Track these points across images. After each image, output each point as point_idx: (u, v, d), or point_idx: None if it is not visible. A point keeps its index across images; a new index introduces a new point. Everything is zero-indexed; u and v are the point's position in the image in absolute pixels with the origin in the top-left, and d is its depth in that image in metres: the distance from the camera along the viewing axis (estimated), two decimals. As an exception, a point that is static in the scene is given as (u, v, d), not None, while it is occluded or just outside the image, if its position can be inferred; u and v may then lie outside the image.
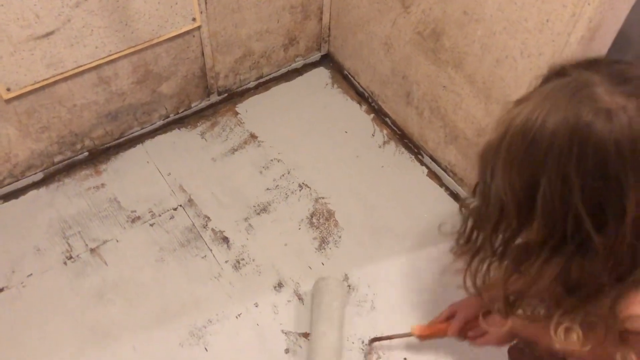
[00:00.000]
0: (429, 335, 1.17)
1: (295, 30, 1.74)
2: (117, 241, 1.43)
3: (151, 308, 1.33)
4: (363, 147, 1.66)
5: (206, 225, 1.47)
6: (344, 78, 1.84)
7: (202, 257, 1.41)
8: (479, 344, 1.04)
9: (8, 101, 1.32)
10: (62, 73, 1.34)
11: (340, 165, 1.61)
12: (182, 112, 1.69)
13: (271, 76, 1.81)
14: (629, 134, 0.54)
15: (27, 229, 1.44)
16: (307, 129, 1.70)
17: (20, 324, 1.29)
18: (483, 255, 0.71)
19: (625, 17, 1.06)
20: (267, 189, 1.55)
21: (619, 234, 0.58)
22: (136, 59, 1.45)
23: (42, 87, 1.35)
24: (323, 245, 1.45)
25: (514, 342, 1.05)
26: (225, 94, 1.74)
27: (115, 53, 1.39)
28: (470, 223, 0.72)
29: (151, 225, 1.47)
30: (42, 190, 1.52)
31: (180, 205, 1.51)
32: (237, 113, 1.74)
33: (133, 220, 1.47)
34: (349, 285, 1.37)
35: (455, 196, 1.56)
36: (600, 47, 1.10)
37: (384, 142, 1.68)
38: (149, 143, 1.64)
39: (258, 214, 1.50)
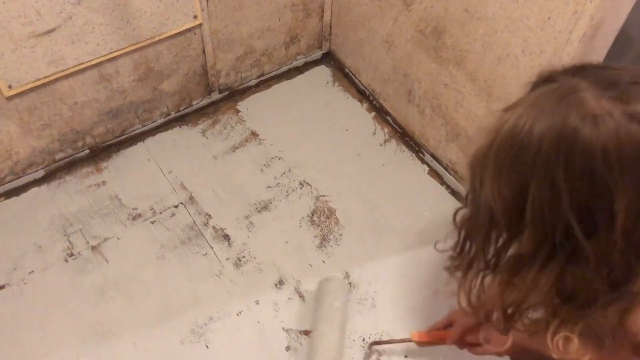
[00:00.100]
0: (427, 342, 1.17)
1: (296, 28, 1.74)
2: (118, 239, 1.43)
3: (152, 306, 1.33)
4: (364, 145, 1.66)
5: (207, 222, 1.47)
6: (345, 76, 1.84)
7: (203, 255, 1.41)
8: (479, 353, 1.03)
9: (9, 98, 1.32)
10: (63, 70, 1.34)
11: (341, 164, 1.61)
12: (183, 109, 1.69)
13: (272, 74, 1.81)
14: (615, 139, 0.54)
15: (28, 226, 1.45)
16: (308, 127, 1.70)
17: (21, 322, 1.29)
18: (476, 267, 0.70)
19: (627, 15, 1.06)
20: (268, 186, 1.55)
21: (610, 240, 0.57)
22: (137, 57, 1.45)
23: (44, 85, 1.35)
24: (324, 243, 1.45)
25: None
26: (227, 92, 1.74)
27: (117, 50, 1.39)
28: (462, 234, 0.71)
29: (152, 222, 1.47)
30: (43, 188, 1.52)
31: (181, 203, 1.51)
32: (238, 111, 1.74)
33: (134, 218, 1.47)
34: (349, 283, 1.37)
35: (456, 194, 1.55)
36: (602, 45, 1.09)
37: (385, 141, 1.68)
38: (150, 141, 1.64)
39: (259, 211, 1.50)
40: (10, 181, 1.49)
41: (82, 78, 1.40)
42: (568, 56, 1.08)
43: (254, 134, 1.67)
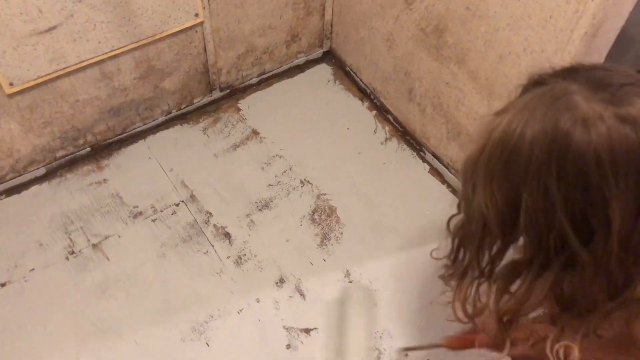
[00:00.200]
0: (460, 346, 1.17)
1: (297, 26, 1.74)
2: (119, 236, 1.43)
3: (153, 303, 1.33)
4: (365, 143, 1.66)
5: (208, 221, 1.47)
6: (346, 75, 1.84)
7: (204, 253, 1.41)
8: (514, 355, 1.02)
9: (11, 96, 1.32)
10: (64, 68, 1.34)
11: (342, 162, 1.61)
12: (185, 108, 1.69)
13: (273, 72, 1.81)
14: (607, 143, 0.52)
15: (30, 224, 1.45)
16: (309, 125, 1.70)
17: (22, 319, 1.29)
18: (471, 275, 0.69)
19: (628, 14, 1.06)
20: (269, 185, 1.55)
21: (607, 247, 0.56)
22: (139, 55, 1.45)
23: (45, 82, 1.35)
24: (325, 241, 1.45)
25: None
26: (228, 90, 1.74)
27: (118, 48, 1.39)
28: (456, 242, 0.70)
29: (153, 220, 1.47)
30: (45, 186, 1.52)
31: (182, 201, 1.51)
32: (239, 109, 1.74)
33: (135, 216, 1.47)
34: (350, 282, 1.37)
35: (457, 193, 1.55)
36: (603, 44, 1.09)
37: (386, 139, 1.68)
38: (151, 139, 1.64)
39: (260, 210, 1.50)
40: (11, 179, 1.49)
41: (84, 76, 1.40)
42: (569, 55, 1.08)
43: (255, 132, 1.67)
